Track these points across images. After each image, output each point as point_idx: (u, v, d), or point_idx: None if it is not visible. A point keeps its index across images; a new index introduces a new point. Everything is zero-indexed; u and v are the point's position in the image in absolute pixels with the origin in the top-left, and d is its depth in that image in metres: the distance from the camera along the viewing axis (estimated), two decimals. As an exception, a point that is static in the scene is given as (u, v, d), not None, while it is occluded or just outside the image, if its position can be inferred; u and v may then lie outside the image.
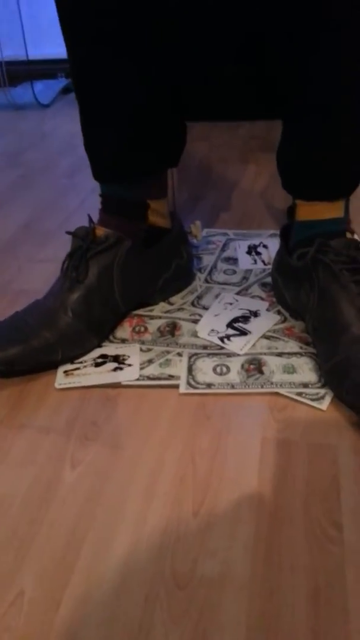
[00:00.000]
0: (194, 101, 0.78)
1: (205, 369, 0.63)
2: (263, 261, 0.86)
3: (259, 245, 0.91)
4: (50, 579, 0.43)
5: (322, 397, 0.59)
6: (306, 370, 0.62)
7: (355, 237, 0.84)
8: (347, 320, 0.58)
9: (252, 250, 0.89)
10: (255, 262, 0.86)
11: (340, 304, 0.59)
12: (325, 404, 0.58)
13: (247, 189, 1.15)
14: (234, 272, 0.83)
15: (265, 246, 0.90)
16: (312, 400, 0.59)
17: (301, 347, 0.66)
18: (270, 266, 0.84)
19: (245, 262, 0.86)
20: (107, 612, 0.40)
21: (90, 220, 0.71)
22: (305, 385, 0.60)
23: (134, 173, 0.66)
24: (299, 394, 0.59)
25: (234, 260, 0.87)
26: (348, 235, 0.64)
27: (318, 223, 0.64)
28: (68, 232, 0.69)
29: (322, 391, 0.59)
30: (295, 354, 0.65)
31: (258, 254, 0.88)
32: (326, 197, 0.62)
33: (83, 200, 1.14)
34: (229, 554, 0.44)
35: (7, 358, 0.60)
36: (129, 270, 0.68)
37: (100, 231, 0.68)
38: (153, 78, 0.62)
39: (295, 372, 0.62)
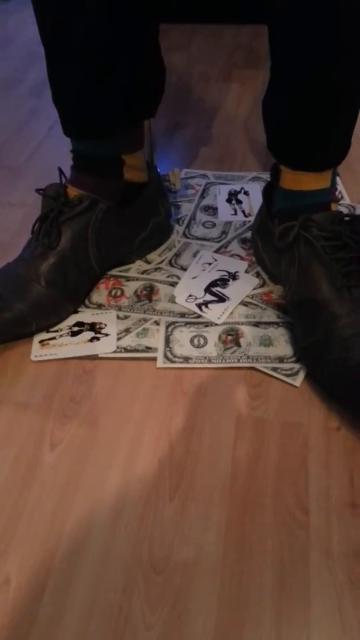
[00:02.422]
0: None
1: (182, 340, 0.63)
2: (243, 211, 0.82)
3: (240, 191, 0.86)
4: (33, 566, 0.46)
5: (296, 373, 0.60)
6: (282, 343, 0.63)
7: (340, 207, 0.81)
8: (326, 299, 0.57)
9: (232, 197, 0.85)
10: (236, 212, 0.82)
11: (321, 282, 0.58)
12: (299, 380, 0.59)
13: (229, 116, 1.07)
14: (214, 224, 0.80)
15: (246, 193, 0.86)
16: (287, 376, 0.60)
17: (278, 317, 0.66)
18: (250, 218, 0.81)
19: (225, 212, 0.82)
20: (89, 597, 0.44)
21: (61, 173, 0.66)
22: (281, 360, 0.61)
23: (108, 126, 0.60)
24: (274, 369, 0.60)
25: (213, 210, 0.83)
26: (333, 206, 0.61)
27: (302, 194, 0.60)
28: (38, 191, 0.63)
29: (297, 366, 0.61)
30: (272, 323, 0.65)
31: (239, 202, 0.84)
32: (313, 168, 0.58)
33: (52, 125, 1.04)
34: (202, 538, 0.47)
35: (-21, 332, 0.59)
36: (104, 233, 0.65)
37: (73, 192, 0.63)
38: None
39: (272, 344, 0.63)
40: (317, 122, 0.56)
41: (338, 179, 0.87)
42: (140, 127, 0.65)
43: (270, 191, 0.67)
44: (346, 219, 0.59)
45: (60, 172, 0.65)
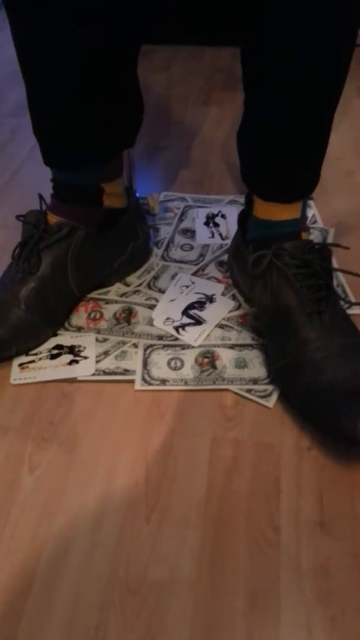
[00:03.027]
0: (154, 25, 0.70)
1: (160, 362, 0.65)
2: (220, 234, 0.85)
3: (218, 214, 0.89)
4: (12, 586, 0.47)
5: (270, 395, 0.62)
6: (257, 365, 0.65)
7: (313, 230, 0.84)
8: (297, 323, 0.60)
9: (210, 220, 0.88)
10: (213, 235, 0.85)
11: (292, 307, 0.60)
12: (272, 402, 0.61)
13: (208, 138, 1.10)
14: (191, 247, 0.82)
15: (223, 216, 0.89)
16: (260, 397, 0.62)
17: (253, 339, 0.68)
18: (227, 241, 0.83)
19: (202, 235, 0.85)
20: (67, 617, 0.45)
21: (42, 199, 0.68)
22: (255, 382, 0.63)
23: (87, 157, 0.62)
24: (249, 390, 0.62)
25: (191, 233, 0.85)
26: (303, 235, 0.64)
27: (274, 223, 0.63)
28: (18, 217, 0.65)
29: (270, 388, 0.63)
30: (247, 345, 0.67)
31: (216, 225, 0.87)
32: (284, 200, 0.61)
33: (34, 145, 1.05)
34: (177, 558, 0.49)
35: None
36: (84, 258, 0.67)
37: (53, 219, 0.65)
38: (98, 31, 0.55)
39: (247, 366, 0.65)
40: (288, 158, 0.59)
41: (312, 203, 0.90)
42: (119, 156, 0.67)
43: (244, 218, 0.70)
44: (316, 247, 0.61)
45: (41, 198, 0.67)
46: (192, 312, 0.72)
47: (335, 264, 0.77)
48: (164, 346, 0.67)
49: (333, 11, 0.50)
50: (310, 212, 0.89)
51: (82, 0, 0.52)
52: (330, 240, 0.83)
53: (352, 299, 0.73)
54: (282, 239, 0.61)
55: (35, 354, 0.65)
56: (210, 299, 0.74)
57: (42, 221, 0.64)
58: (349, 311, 0.68)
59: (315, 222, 0.87)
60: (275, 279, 0.61)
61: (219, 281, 0.77)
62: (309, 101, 0.55)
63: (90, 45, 0.55)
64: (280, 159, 0.59)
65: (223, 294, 0.74)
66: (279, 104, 0.55)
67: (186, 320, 0.70)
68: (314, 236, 0.84)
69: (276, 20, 0.52)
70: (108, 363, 0.65)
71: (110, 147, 0.64)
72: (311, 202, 0.91)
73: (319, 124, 0.58)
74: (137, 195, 0.88)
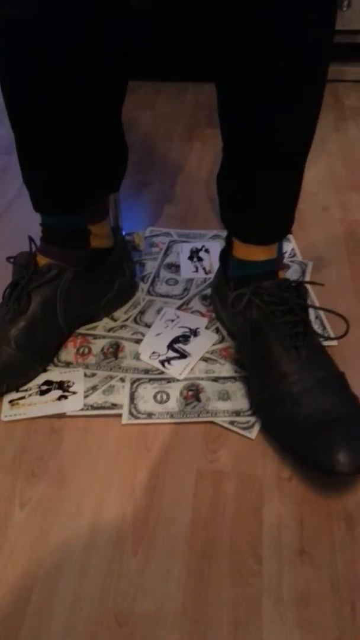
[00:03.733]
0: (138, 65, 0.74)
1: (146, 396, 0.68)
2: (204, 269, 0.88)
3: (201, 249, 0.93)
4: (3, 623, 0.48)
5: (252, 426, 0.65)
6: (239, 397, 0.68)
7: (292, 264, 0.88)
8: (276, 358, 0.63)
9: (194, 255, 0.91)
10: (197, 269, 0.88)
11: (271, 343, 0.63)
12: (254, 433, 0.64)
13: (192, 174, 1.14)
14: (176, 282, 0.86)
15: (207, 250, 0.92)
16: (243, 429, 0.64)
17: (236, 371, 0.71)
18: (210, 275, 0.87)
19: (187, 270, 0.88)
20: (57, 652, 0.47)
21: (32, 241, 0.71)
22: (238, 413, 0.66)
23: (74, 205, 0.66)
24: (232, 422, 0.65)
25: (176, 268, 0.88)
26: (280, 274, 0.68)
27: (252, 263, 0.67)
28: (8, 259, 0.68)
29: (252, 419, 0.65)
30: (230, 378, 0.70)
31: (200, 259, 0.90)
32: (260, 242, 0.65)
33: (22, 184, 1.09)
34: (164, 590, 0.50)
35: None
36: (72, 297, 0.70)
37: (42, 260, 0.68)
38: (84, 98, 0.60)
39: (230, 398, 0.68)
40: (264, 204, 0.63)
41: (291, 237, 0.94)
42: (105, 199, 0.71)
43: (225, 256, 0.73)
44: (292, 285, 0.65)
45: (31, 240, 0.70)
46: (177, 345, 0.75)
47: (314, 297, 0.81)
48: (150, 380, 0.70)
49: (302, 78, 0.54)
50: (289, 246, 0.93)
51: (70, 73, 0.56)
52: (308, 273, 0.87)
53: (330, 331, 0.76)
54: (260, 278, 0.64)
55: (25, 390, 0.68)
56: (195, 332, 0.77)
57: (31, 263, 0.67)
58: (326, 343, 0.71)
59: (294, 255, 0.91)
60: (254, 316, 0.64)
61: (202, 315, 0.80)
62: (281, 153, 0.59)
63: (76, 112, 0.59)
64: (256, 204, 0.63)
65: (207, 328, 0.77)
66: (252, 156, 0.59)
67: (171, 354, 0.73)
68: (294, 270, 0.88)
69: (244, 88, 0.57)
70: (96, 398, 0.67)
71: (96, 195, 0.67)
72: (290, 237, 0.95)
73: (291, 173, 0.62)
74: (124, 231, 0.92)
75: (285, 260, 0.89)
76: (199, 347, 0.74)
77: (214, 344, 0.75)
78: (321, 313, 0.79)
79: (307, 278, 0.87)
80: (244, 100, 0.58)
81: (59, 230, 0.68)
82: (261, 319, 0.64)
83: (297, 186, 0.64)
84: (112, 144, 0.66)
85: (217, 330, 0.77)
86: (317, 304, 0.81)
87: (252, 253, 0.66)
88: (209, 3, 0.50)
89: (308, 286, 0.80)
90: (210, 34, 0.54)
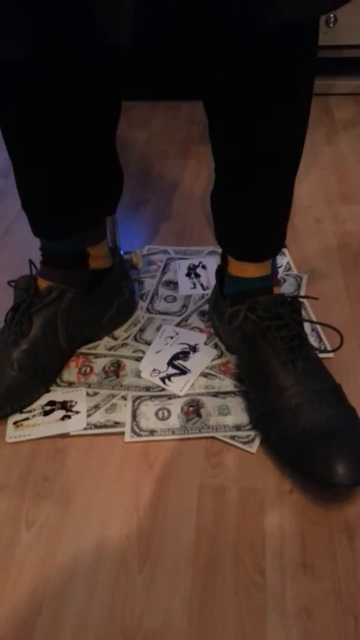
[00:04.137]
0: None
1: (148, 413, 0.69)
2: (202, 285, 0.90)
3: (198, 265, 0.94)
4: (14, 643, 0.49)
5: (252, 440, 0.66)
6: (239, 411, 0.69)
7: (287, 277, 0.90)
8: (273, 372, 0.64)
9: (191, 271, 0.93)
10: (195, 286, 0.90)
11: (268, 357, 0.64)
12: (254, 447, 0.65)
13: (187, 192, 1.17)
14: (175, 298, 0.87)
15: (204, 267, 0.94)
16: (244, 443, 0.65)
17: (235, 386, 0.72)
18: (208, 291, 0.88)
19: (185, 286, 0.90)
20: (66, 671, 0.47)
21: (32, 264, 0.73)
22: (238, 428, 0.67)
23: (72, 229, 0.68)
24: (232, 437, 0.66)
25: (174, 285, 0.90)
26: (275, 289, 0.69)
27: (247, 280, 0.69)
28: (9, 283, 0.70)
29: (252, 434, 0.66)
30: (230, 393, 0.71)
31: (197, 276, 0.92)
32: (254, 260, 0.67)
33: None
34: (170, 606, 0.51)
35: None
36: (73, 318, 0.71)
37: (43, 283, 0.69)
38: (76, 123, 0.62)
39: (230, 413, 0.69)
40: (256, 223, 0.65)
41: (286, 251, 0.96)
42: (102, 221, 0.73)
43: (221, 273, 0.75)
44: (287, 299, 0.66)
45: (31, 263, 0.72)
46: (177, 362, 0.76)
47: (309, 310, 0.83)
48: (152, 397, 0.71)
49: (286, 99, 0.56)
50: (284, 260, 0.94)
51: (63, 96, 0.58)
52: (303, 286, 0.88)
53: (326, 343, 0.77)
54: (256, 294, 0.66)
55: (29, 411, 0.69)
56: (194, 348, 0.78)
57: (32, 286, 0.68)
58: (322, 355, 0.73)
59: (289, 269, 0.93)
60: (251, 331, 0.66)
61: (201, 331, 0.81)
62: (270, 172, 0.61)
63: (71, 140, 0.61)
64: (248, 223, 0.65)
65: (205, 343, 0.79)
66: (242, 175, 0.61)
67: (172, 370, 0.75)
68: (289, 283, 0.89)
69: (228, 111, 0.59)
70: (99, 416, 0.68)
71: (94, 219, 0.69)
72: (284, 250, 0.96)
73: (281, 192, 0.64)
74: (122, 250, 0.94)
75: (281, 274, 0.91)
76: (198, 363, 0.76)
77: (213, 360, 0.76)
78: (317, 325, 0.80)
79: (303, 291, 0.88)
80: (231, 123, 0.60)
81: (58, 253, 0.70)
82: (257, 334, 0.65)
83: (288, 204, 0.66)
84: (107, 169, 0.68)
85: (216, 346, 0.78)
86: (312, 316, 0.82)
87: (246, 270, 0.68)
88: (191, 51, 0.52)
89: (303, 299, 0.82)
90: (191, 76, 0.56)
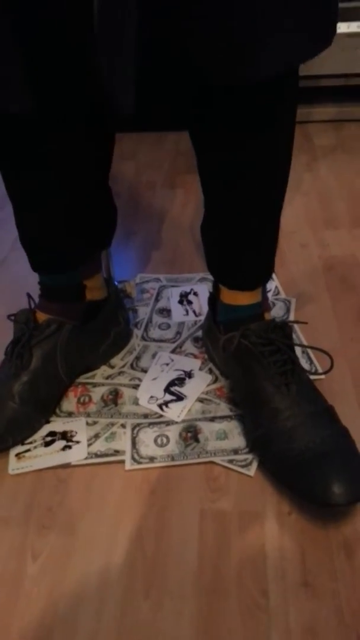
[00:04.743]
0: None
1: (147, 440, 0.70)
2: (194, 311, 0.93)
3: (190, 292, 0.97)
4: None
5: (250, 463, 0.68)
6: (236, 435, 0.71)
7: (276, 301, 0.93)
8: (267, 396, 0.66)
9: (183, 299, 0.96)
10: (187, 312, 0.93)
11: (262, 382, 0.67)
12: (252, 470, 0.67)
13: (176, 220, 1.20)
14: (168, 326, 0.90)
15: (195, 293, 0.97)
16: (242, 467, 0.67)
17: (231, 410, 0.74)
18: (200, 317, 0.91)
19: (178, 313, 0.92)
20: None
21: (30, 298, 0.75)
22: (236, 452, 0.69)
23: (69, 264, 0.70)
24: (230, 461, 0.68)
25: (167, 312, 0.93)
26: (266, 315, 0.72)
27: (239, 308, 0.71)
28: (9, 317, 0.72)
29: (250, 457, 0.68)
30: (226, 417, 0.73)
31: (189, 302, 0.95)
32: (245, 288, 0.70)
33: (16, 238, 1.13)
34: (176, 631, 0.52)
35: None
36: (71, 349, 0.73)
37: (42, 316, 0.72)
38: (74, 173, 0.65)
39: (227, 437, 0.71)
40: (246, 253, 0.68)
41: (274, 275, 0.99)
42: (97, 255, 0.75)
43: (213, 301, 0.78)
44: (278, 325, 0.69)
45: (29, 297, 0.74)
46: (173, 388, 0.78)
47: (299, 333, 0.85)
48: (150, 424, 0.73)
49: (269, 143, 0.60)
50: (272, 284, 0.98)
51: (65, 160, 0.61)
52: (292, 310, 0.91)
53: (317, 365, 0.80)
54: (248, 321, 0.69)
55: (30, 443, 0.70)
56: (189, 374, 0.80)
57: (31, 319, 0.70)
58: (314, 377, 0.75)
59: (278, 293, 0.96)
60: (244, 357, 0.68)
61: (195, 357, 0.84)
62: (257, 206, 0.64)
63: (66, 181, 0.64)
64: (239, 254, 0.68)
65: (200, 369, 0.81)
66: (230, 211, 0.65)
67: (168, 397, 0.76)
68: (278, 307, 0.92)
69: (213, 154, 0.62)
70: (99, 445, 0.70)
71: (89, 253, 0.72)
72: (273, 275, 1.00)
73: (269, 224, 0.67)
74: (115, 280, 0.96)
75: (270, 298, 0.94)
76: (194, 388, 0.78)
77: (208, 385, 0.78)
78: (308, 348, 0.83)
79: (292, 315, 0.91)
80: (215, 162, 0.63)
81: (56, 287, 0.72)
82: (251, 360, 0.67)
83: (276, 234, 0.69)
84: (102, 206, 0.71)
85: (210, 371, 0.81)
86: (302, 339, 0.85)
87: (238, 298, 0.71)
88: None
89: (293, 323, 0.85)
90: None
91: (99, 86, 0.44)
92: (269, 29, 0.45)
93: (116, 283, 0.90)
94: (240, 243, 0.68)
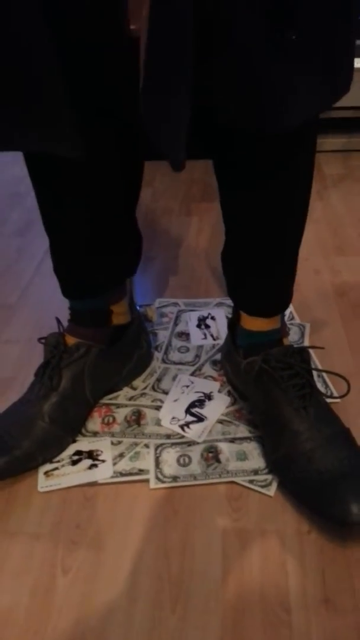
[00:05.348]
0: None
1: (170, 460, 0.73)
2: (212, 335, 0.96)
3: (208, 316, 1.01)
4: None
5: (270, 484, 0.70)
6: (256, 456, 0.74)
7: (291, 326, 0.97)
8: (287, 418, 0.69)
9: (201, 322, 0.99)
10: (205, 336, 0.96)
11: (281, 405, 0.70)
12: (272, 490, 0.69)
13: (192, 246, 1.24)
14: (187, 349, 0.93)
15: (213, 318, 1.00)
16: (262, 487, 0.70)
17: (250, 431, 0.77)
18: (218, 341, 0.94)
19: (196, 337, 0.96)
20: None
21: (59, 323, 0.79)
22: (256, 472, 0.71)
23: (98, 291, 0.74)
24: (251, 481, 0.71)
25: (186, 336, 0.96)
26: (285, 341, 0.76)
27: (259, 333, 0.75)
28: (40, 340, 0.76)
29: (270, 477, 0.71)
30: (245, 438, 0.76)
31: (207, 326, 0.98)
32: (265, 315, 0.73)
33: (39, 263, 1.19)
34: (203, 646, 0.55)
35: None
36: (98, 371, 0.77)
37: (71, 340, 0.75)
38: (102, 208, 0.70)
39: (247, 458, 0.73)
40: (266, 282, 0.72)
41: (288, 301, 1.03)
42: (124, 282, 0.79)
43: (233, 326, 0.81)
44: (297, 350, 0.72)
45: (58, 322, 0.78)
46: (194, 410, 0.81)
47: (314, 358, 0.89)
48: (172, 444, 0.75)
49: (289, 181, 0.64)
50: (287, 310, 1.01)
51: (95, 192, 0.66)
52: (307, 335, 0.95)
53: (332, 389, 0.83)
54: (268, 346, 0.72)
55: (58, 461, 0.73)
56: (209, 396, 0.83)
57: (61, 342, 0.74)
58: (330, 400, 0.78)
59: (292, 318, 1.00)
60: (265, 381, 0.71)
61: (214, 379, 0.87)
62: (276, 241, 0.68)
63: (95, 214, 0.69)
64: (259, 283, 0.72)
65: (219, 391, 0.84)
66: (250, 243, 0.69)
67: (189, 418, 0.79)
68: (293, 331, 0.96)
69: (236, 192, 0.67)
70: (124, 464, 0.73)
71: (117, 281, 0.76)
72: (288, 301, 1.03)
73: (288, 254, 0.71)
74: (137, 305, 1.00)
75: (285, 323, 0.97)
76: (214, 410, 0.81)
77: (227, 407, 0.81)
78: (323, 372, 0.86)
79: (306, 339, 0.94)
80: (236, 196, 0.67)
81: (85, 312, 0.76)
82: (271, 383, 0.70)
83: (294, 265, 0.73)
84: (129, 237, 0.76)
85: (229, 393, 0.84)
86: (317, 363, 0.88)
87: (258, 324, 0.74)
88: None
89: (310, 349, 0.88)
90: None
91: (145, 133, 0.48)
92: (292, 85, 0.49)
93: (138, 307, 0.94)
94: (260, 273, 0.72)
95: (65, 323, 0.80)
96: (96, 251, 0.71)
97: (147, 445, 0.75)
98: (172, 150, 0.48)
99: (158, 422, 0.79)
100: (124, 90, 0.54)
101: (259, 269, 0.72)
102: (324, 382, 0.85)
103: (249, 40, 0.45)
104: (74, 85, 0.49)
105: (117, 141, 0.63)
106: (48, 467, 0.72)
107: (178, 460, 0.73)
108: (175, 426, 0.78)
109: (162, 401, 0.83)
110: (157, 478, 0.71)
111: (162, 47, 0.41)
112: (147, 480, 0.71)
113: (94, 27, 0.49)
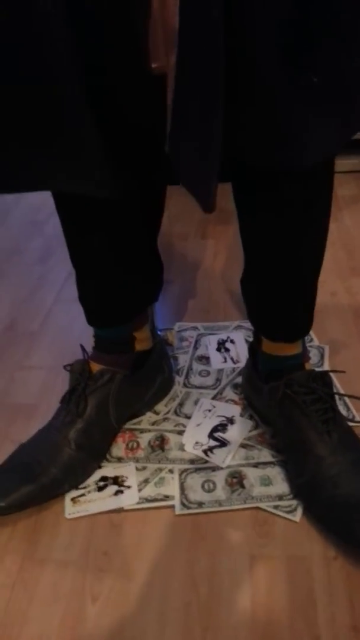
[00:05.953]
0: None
1: (195, 486, 0.74)
2: (232, 358, 0.97)
3: (227, 340, 1.02)
4: None
5: (295, 509, 0.70)
6: (280, 481, 0.74)
7: (310, 348, 0.97)
8: (311, 443, 0.70)
9: (221, 346, 1.00)
10: (225, 360, 0.97)
11: (305, 429, 0.70)
12: (298, 516, 0.70)
13: (208, 270, 1.26)
14: (208, 373, 0.94)
15: (232, 341, 1.02)
16: (287, 512, 0.70)
17: (273, 456, 0.77)
18: (239, 364, 0.95)
19: (216, 361, 0.97)
20: None
21: (84, 350, 0.80)
22: (280, 498, 0.72)
23: (122, 319, 0.76)
24: (276, 507, 0.71)
25: (206, 359, 0.97)
26: (306, 365, 0.77)
27: (281, 358, 0.76)
28: (65, 367, 0.77)
29: (295, 503, 0.71)
30: (269, 463, 0.76)
31: (227, 350, 0.99)
32: (287, 340, 0.74)
33: (59, 291, 1.21)
34: (234, 675, 0.54)
35: (20, 498, 0.68)
36: (122, 397, 0.78)
37: (95, 366, 0.77)
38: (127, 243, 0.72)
39: (271, 483, 0.74)
40: (285, 308, 0.73)
41: (307, 324, 1.04)
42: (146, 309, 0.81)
43: (254, 350, 0.82)
44: (319, 374, 0.73)
45: (83, 350, 0.80)
46: (216, 434, 0.82)
47: (335, 381, 0.89)
48: (197, 469, 0.76)
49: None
50: (306, 332, 1.02)
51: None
52: (326, 357, 0.95)
53: (354, 412, 0.83)
54: (290, 370, 0.73)
55: (85, 487, 0.74)
56: (231, 420, 0.84)
57: (86, 369, 0.76)
58: (351, 424, 0.78)
59: (311, 340, 1.00)
60: (288, 405, 0.72)
61: (235, 403, 0.87)
62: (296, 267, 0.70)
63: (116, 243, 0.71)
64: (278, 308, 0.73)
65: (241, 415, 0.85)
66: (270, 269, 0.70)
67: (212, 442, 0.80)
68: (312, 354, 0.96)
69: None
70: (149, 490, 0.73)
71: (139, 308, 0.78)
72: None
73: (308, 279, 0.72)
74: (158, 330, 1.02)
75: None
76: (236, 434, 0.81)
77: (249, 431, 0.82)
78: (345, 397, 0.86)
79: (326, 361, 0.95)
80: (254, 224, 0.69)
81: (109, 339, 0.78)
82: (294, 408, 0.71)
83: (314, 290, 0.74)
84: (152, 266, 0.78)
85: (251, 417, 0.84)
86: (339, 387, 0.88)
87: (280, 349, 0.75)
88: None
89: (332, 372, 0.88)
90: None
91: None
92: (311, 125, 0.51)
93: (159, 332, 0.96)
94: (281, 298, 0.73)
95: (88, 349, 0.81)
96: (120, 280, 0.73)
97: (171, 471, 0.76)
98: (201, 195, 0.50)
99: (182, 447, 0.80)
100: (150, 127, 0.56)
101: (280, 294, 0.73)
102: (345, 404, 0.85)
103: (273, 82, 0.46)
104: (100, 124, 0.51)
105: (143, 178, 0.65)
106: (75, 493, 0.73)
107: (203, 486, 0.74)
108: (199, 451, 0.79)
109: (184, 425, 0.83)
110: (183, 504, 0.71)
111: (191, 93, 0.43)
112: (172, 506, 0.71)
113: (113, 65, 0.50)
